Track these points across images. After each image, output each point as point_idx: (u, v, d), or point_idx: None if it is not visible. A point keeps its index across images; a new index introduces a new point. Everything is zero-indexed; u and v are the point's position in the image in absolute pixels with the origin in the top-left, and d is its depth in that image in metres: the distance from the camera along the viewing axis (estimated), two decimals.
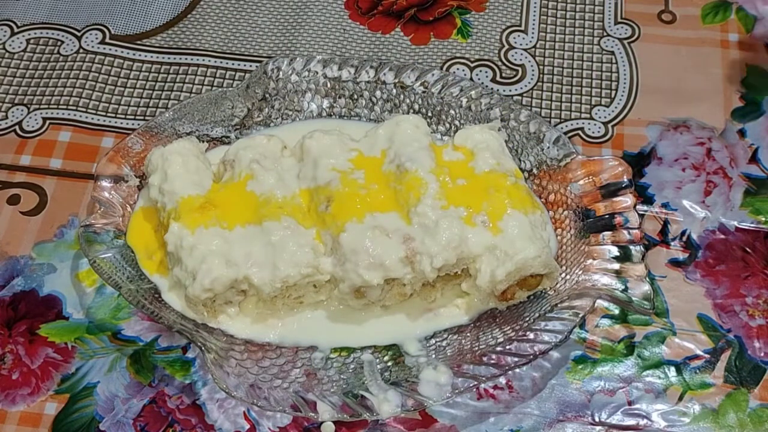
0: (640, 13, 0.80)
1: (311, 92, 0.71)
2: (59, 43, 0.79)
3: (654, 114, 0.73)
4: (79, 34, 0.79)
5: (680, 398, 0.60)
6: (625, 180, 0.64)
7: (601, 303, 0.62)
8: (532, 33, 0.79)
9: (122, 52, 0.78)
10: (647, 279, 0.60)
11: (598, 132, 0.72)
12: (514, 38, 0.78)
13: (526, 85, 0.75)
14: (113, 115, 0.74)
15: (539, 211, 0.62)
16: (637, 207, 0.64)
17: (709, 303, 0.64)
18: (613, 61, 0.77)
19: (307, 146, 0.64)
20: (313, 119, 0.71)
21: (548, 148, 0.66)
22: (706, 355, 0.62)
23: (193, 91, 0.75)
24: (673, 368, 0.61)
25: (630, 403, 0.60)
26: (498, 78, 0.76)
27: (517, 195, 0.60)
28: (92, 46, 0.78)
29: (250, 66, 0.77)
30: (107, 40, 0.79)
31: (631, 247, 0.61)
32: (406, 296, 0.61)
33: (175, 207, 0.61)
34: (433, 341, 0.60)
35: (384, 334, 0.61)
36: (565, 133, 0.70)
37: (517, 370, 0.59)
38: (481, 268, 0.59)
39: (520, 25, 0.79)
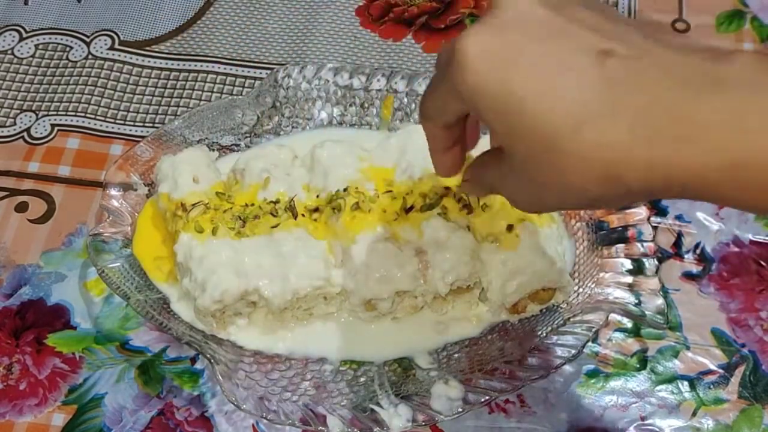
0: (654, 22, 0.79)
1: (322, 100, 0.70)
2: (68, 48, 0.78)
3: None
4: (88, 40, 0.79)
5: (694, 414, 0.59)
6: None
7: (614, 316, 0.62)
8: None
9: (131, 58, 0.77)
10: (661, 293, 0.59)
11: None
12: None
13: None
14: (122, 122, 0.73)
15: (555, 224, 0.61)
16: (651, 219, 0.63)
17: (723, 317, 0.63)
18: None
19: (317, 156, 0.63)
20: (323, 128, 0.70)
21: None
22: (720, 370, 0.61)
23: (203, 98, 0.75)
24: (686, 383, 0.60)
25: (643, 419, 0.59)
26: None
27: None
28: (101, 52, 0.78)
29: (260, 73, 0.76)
30: (116, 46, 0.78)
31: (645, 260, 0.60)
32: (417, 308, 0.60)
33: (184, 216, 0.60)
34: (444, 354, 0.60)
35: (395, 346, 0.60)
36: None
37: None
38: (492, 280, 0.58)
39: None
